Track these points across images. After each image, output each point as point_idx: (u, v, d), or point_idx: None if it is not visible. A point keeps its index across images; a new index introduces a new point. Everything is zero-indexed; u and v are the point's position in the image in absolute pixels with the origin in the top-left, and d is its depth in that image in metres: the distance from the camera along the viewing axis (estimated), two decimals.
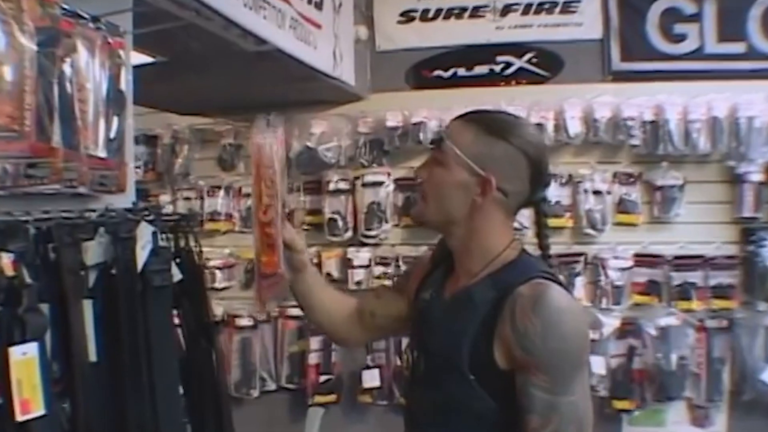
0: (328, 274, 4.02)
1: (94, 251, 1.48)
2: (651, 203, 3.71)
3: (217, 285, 4.13)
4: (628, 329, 3.63)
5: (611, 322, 3.62)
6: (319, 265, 4.02)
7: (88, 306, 1.41)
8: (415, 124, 3.79)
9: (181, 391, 1.70)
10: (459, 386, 1.45)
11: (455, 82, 3.99)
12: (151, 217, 1.56)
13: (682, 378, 3.55)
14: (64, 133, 1.41)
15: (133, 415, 1.49)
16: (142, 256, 1.52)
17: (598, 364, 3.55)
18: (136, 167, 4.11)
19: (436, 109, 3.78)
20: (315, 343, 3.95)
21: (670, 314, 3.60)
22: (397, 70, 4.03)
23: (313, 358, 3.95)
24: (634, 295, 3.68)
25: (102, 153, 1.56)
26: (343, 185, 3.98)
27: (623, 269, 3.67)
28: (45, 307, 1.34)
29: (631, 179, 3.72)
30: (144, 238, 1.54)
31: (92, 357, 1.42)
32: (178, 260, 1.73)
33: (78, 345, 1.37)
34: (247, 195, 4.15)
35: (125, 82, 1.67)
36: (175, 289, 1.68)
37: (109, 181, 1.58)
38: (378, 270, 3.94)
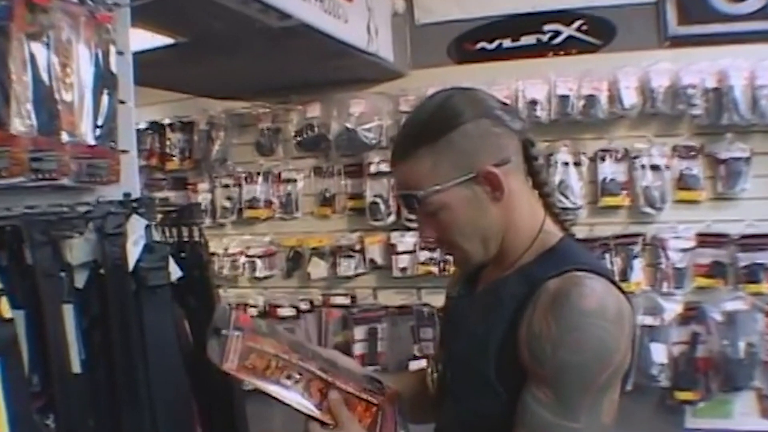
0: (372, 261, 3.88)
1: (80, 249, 1.35)
2: (714, 178, 3.46)
3: (258, 274, 4.05)
4: (691, 315, 3.41)
5: (673, 308, 3.41)
6: (362, 252, 3.89)
7: (68, 311, 1.27)
8: None
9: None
10: (488, 400, 1.25)
11: (500, 54, 3.78)
12: (142, 210, 1.40)
13: (750, 366, 3.31)
14: (39, 119, 1.28)
15: (129, 430, 1.36)
16: (133, 252, 1.38)
17: (659, 353, 3.36)
18: (171, 155, 4.08)
19: (481, 84, 3.45)
20: (360, 332, 3.82)
21: (736, 298, 3.35)
22: (438, 44, 3.85)
23: (358, 348, 3.81)
24: (698, 277, 3.45)
25: (90, 140, 1.42)
26: (384, 167, 3.80)
27: (685, 250, 3.44)
28: (20, 315, 1.21)
29: (693, 153, 3.47)
30: (136, 233, 1.39)
31: (75, 368, 1.28)
32: (182, 255, 1.59)
33: (57, 355, 1.24)
34: (287, 180, 4.04)
35: (118, 61, 1.52)
36: (180, 287, 1.54)
37: (99, 171, 1.43)
38: (423, 255, 3.76)
